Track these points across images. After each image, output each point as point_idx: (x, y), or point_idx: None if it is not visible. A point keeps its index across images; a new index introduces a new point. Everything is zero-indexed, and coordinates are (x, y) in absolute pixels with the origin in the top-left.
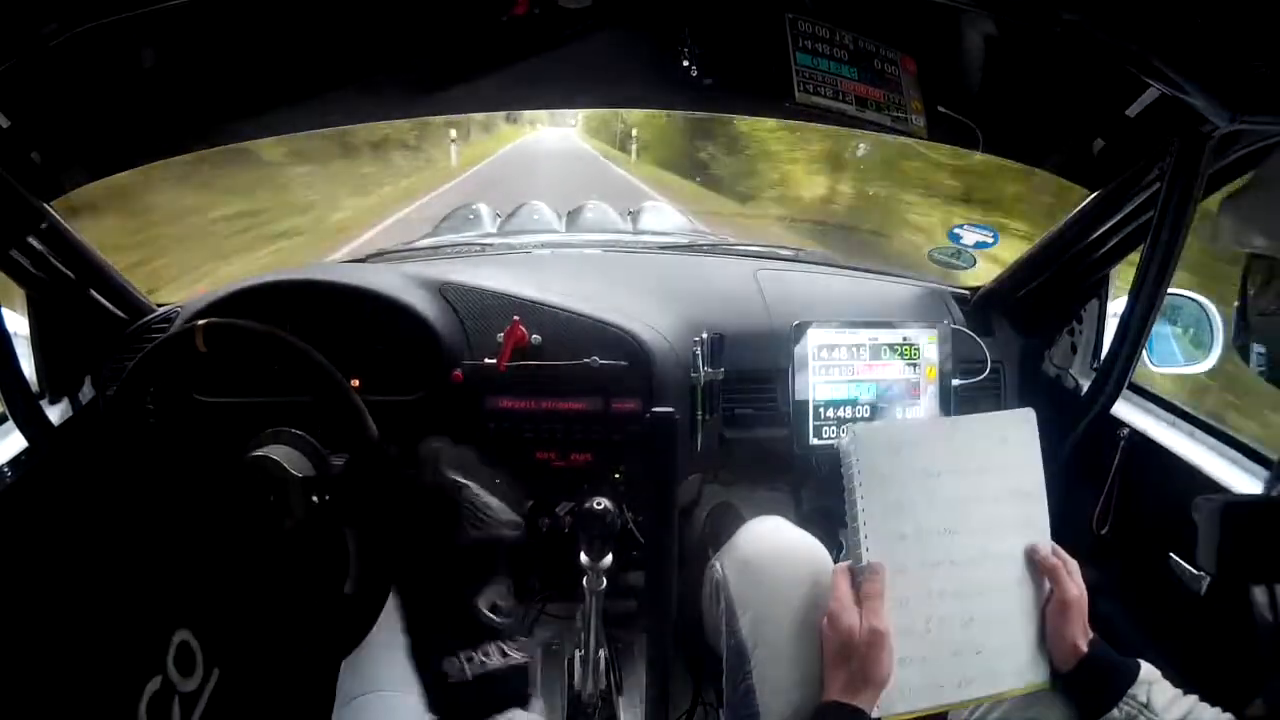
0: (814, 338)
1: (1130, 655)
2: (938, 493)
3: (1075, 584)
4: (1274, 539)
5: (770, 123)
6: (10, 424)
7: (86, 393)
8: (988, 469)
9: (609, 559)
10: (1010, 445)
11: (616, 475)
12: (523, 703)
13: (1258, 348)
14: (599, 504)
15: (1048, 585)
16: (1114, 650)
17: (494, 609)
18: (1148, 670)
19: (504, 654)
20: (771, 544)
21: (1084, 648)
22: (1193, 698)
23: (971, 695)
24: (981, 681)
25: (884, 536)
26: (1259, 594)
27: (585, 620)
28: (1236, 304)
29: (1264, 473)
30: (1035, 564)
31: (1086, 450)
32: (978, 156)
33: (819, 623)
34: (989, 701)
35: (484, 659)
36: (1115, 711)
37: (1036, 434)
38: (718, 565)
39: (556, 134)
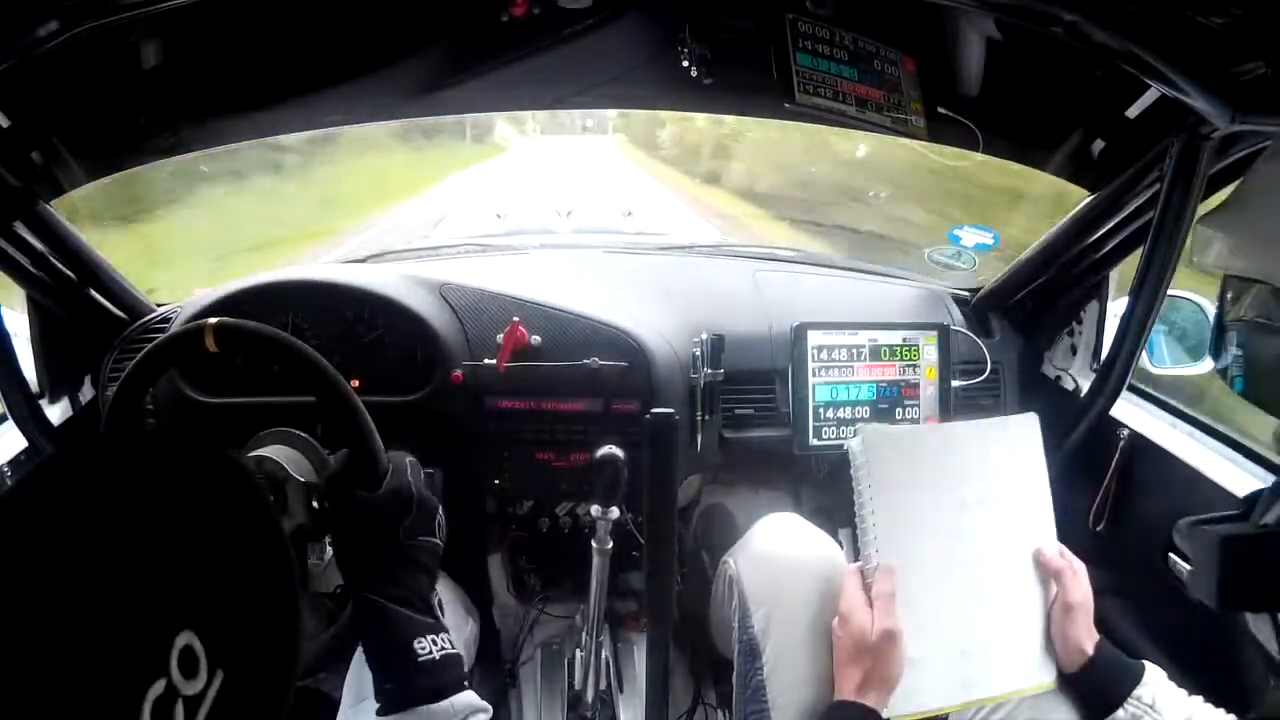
0: (814, 339)
1: (1131, 655)
2: (946, 495)
3: (1081, 586)
4: (1270, 571)
5: None
6: (10, 424)
7: (86, 393)
8: (994, 472)
9: (615, 512)
10: (1016, 448)
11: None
12: (463, 687)
13: (1234, 351)
14: (609, 450)
15: (1054, 587)
16: (1119, 651)
17: (439, 606)
18: (1153, 672)
19: (451, 644)
20: (786, 541)
21: (1089, 649)
22: (1197, 699)
23: (979, 695)
24: (989, 681)
25: (893, 537)
26: (1254, 620)
27: (588, 592)
28: (1214, 312)
29: (1262, 473)
30: (1042, 566)
31: (1086, 451)
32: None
33: (831, 622)
34: (996, 701)
35: (443, 645)
36: (1120, 712)
37: (1040, 438)
38: (731, 562)
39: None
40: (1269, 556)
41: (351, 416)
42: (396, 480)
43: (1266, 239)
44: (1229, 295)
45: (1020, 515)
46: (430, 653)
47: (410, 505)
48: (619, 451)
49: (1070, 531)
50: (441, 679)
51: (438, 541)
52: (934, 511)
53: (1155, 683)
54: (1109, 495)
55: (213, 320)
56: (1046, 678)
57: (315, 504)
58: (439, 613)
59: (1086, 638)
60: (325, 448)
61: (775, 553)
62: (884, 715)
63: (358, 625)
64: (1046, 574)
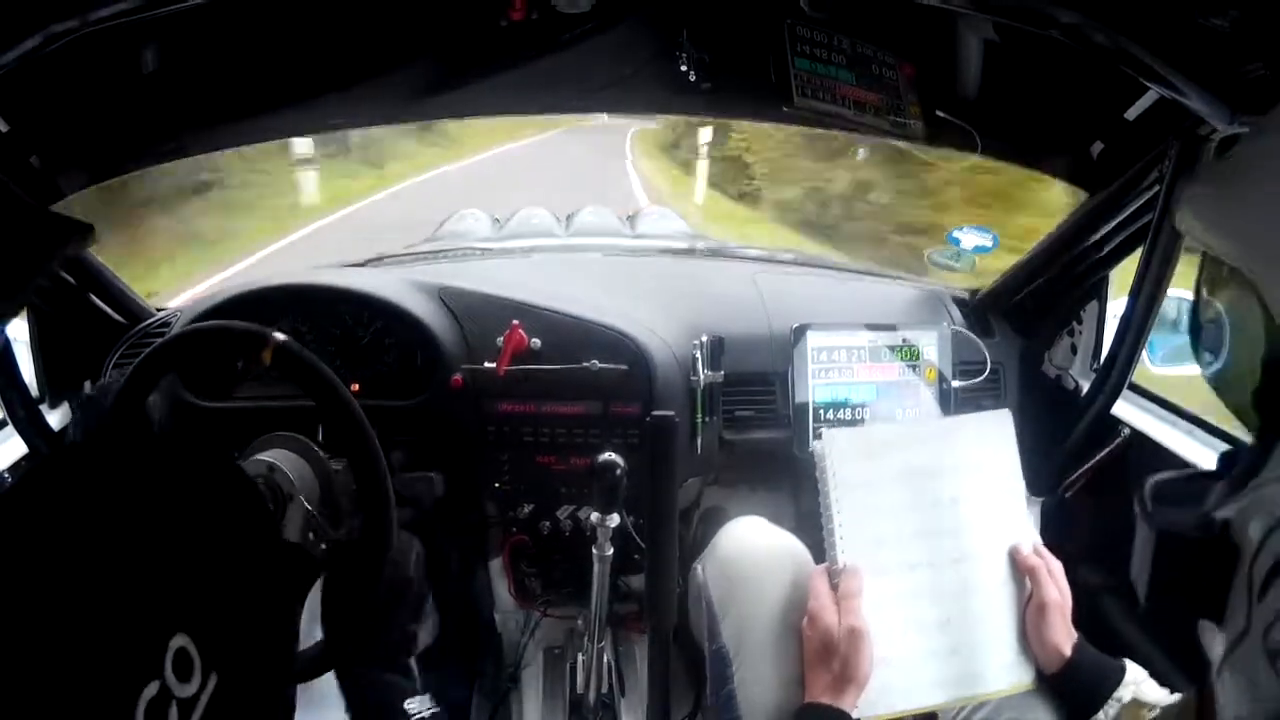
0: (813, 340)
1: (1130, 655)
2: (916, 495)
3: (1057, 585)
4: (1204, 572)
5: None
6: (10, 429)
7: None
8: (966, 470)
9: (615, 519)
10: (988, 446)
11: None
12: None
13: (1207, 355)
14: (608, 457)
15: (1029, 586)
16: (1103, 651)
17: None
18: (1134, 671)
19: (433, 703)
20: (750, 546)
21: (1067, 650)
22: (1179, 696)
23: (952, 696)
24: (962, 682)
25: (860, 539)
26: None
27: (590, 596)
28: (1190, 305)
29: None
30: (1016, 564)
31: (1087, 451)
32: None
33: (799, 624)
34: (970, 703)
35: (430, 704)
36: (1101, 714)
37: (1014, 434)
38: (699, 569)
39: None
40: (1199, 560)
41: (381, 497)
42: (402, 566)
43: (1242, 224)
44: (1204, 289)
45: (995, 513)
46: (420, 712)
47: (406, 596)
48: (618, 458)
49: (1069, 530)
50: None
51: (419, 629)
52: (903, 512)
53: (1137, 682)
54: (1108, 494)
55: (280, 336)
56: (1023, 678)
57: (312, 535)
58: (416, 676)
59: (1064, 638)
60: (325, 452)
61: (739, 558)
62: (854, 716)
63: (350, 696)
64: (1021, 572)
